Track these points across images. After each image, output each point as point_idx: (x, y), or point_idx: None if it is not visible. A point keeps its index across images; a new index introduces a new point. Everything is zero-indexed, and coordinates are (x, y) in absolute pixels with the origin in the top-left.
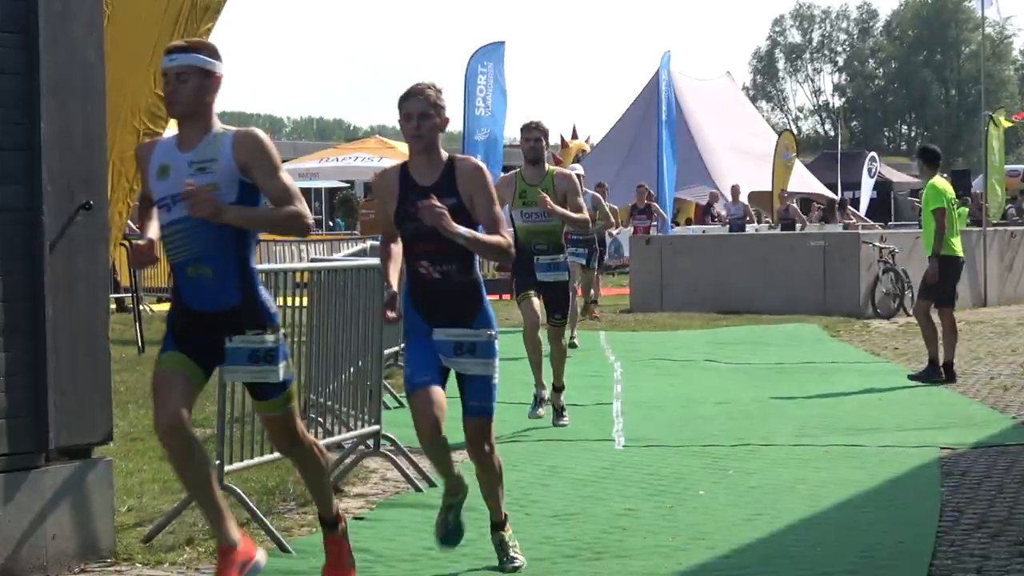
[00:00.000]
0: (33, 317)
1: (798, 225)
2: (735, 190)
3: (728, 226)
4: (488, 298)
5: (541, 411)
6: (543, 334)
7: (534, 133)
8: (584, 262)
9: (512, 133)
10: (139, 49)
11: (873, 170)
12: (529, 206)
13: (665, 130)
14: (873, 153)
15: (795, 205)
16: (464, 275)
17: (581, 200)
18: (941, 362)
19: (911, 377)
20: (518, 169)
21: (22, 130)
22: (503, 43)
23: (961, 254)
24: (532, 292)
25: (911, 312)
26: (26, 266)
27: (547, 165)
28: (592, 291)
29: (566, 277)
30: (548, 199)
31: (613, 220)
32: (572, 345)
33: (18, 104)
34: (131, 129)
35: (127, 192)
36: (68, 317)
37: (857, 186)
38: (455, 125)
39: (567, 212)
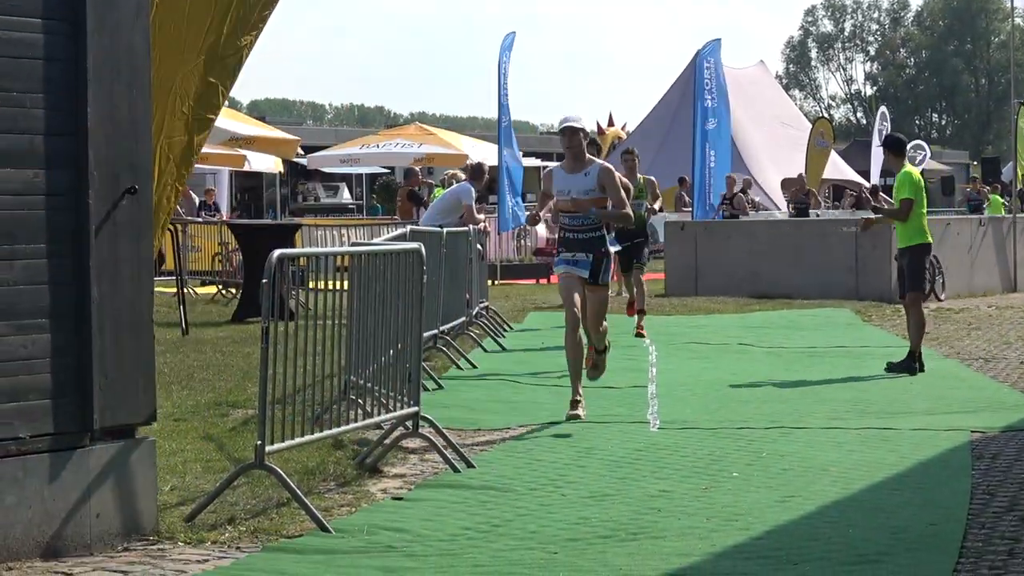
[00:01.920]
0: (78, 299)
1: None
2: None
3: None
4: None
5: None
6: None
7: None
8: (586, 274)
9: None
10: (189, 35)
11: (918, 158)
12: None
13: (712, 117)
14: (918, 142)
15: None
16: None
17: None
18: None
19: (888, 368)
20: None
21: (69, 115)
22: (513, 33)
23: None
24: None
25: (941, 298)
26: (72, 249)
27: None
28: (626, 293)
29: None
30: None
31: (652, 201)
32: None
33: (65, 90)
34: (179, 115)
35: (175, 177)
36: (113, 299)
37: (891, 173)
38: (489, 111)
39: None
